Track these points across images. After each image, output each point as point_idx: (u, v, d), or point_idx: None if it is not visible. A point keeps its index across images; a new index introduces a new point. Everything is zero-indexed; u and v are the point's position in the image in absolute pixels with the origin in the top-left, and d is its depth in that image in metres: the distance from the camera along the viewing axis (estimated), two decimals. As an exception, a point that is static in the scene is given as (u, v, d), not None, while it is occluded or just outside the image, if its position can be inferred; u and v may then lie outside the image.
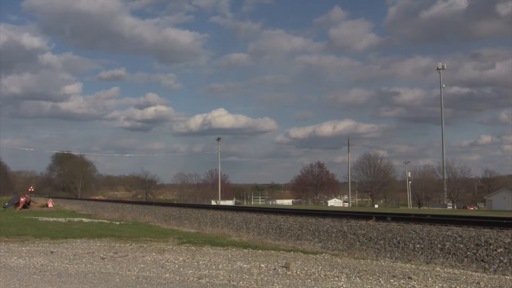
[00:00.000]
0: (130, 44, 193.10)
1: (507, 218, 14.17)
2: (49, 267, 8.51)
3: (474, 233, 11.59)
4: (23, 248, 11.24)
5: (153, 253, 10.28)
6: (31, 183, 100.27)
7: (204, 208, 28.70)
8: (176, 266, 8.60)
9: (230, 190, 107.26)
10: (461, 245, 11.12)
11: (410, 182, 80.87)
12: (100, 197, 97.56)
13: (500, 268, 9.65)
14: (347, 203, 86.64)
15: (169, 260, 9.19)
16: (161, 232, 16.30)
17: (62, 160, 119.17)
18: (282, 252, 10.80)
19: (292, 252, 10.87)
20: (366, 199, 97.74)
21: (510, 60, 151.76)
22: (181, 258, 9.46)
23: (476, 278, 7.70)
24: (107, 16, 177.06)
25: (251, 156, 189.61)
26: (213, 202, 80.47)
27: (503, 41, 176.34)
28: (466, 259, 10.57)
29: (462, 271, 8.70)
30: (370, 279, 7.33)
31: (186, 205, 38.38)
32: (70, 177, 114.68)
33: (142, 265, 8.67)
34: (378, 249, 12.64)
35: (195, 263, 8.86)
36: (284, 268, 8.25)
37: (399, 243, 12.49)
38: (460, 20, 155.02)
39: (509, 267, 9.61)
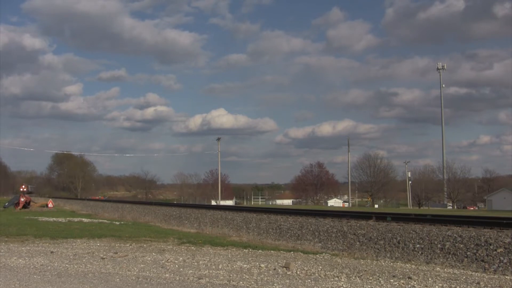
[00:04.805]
0: (130, 45, 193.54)
1: (507, 218, 14.17)
2: (49, 267, 8.51)
3: (474, 233, 11.58)
4: (23, 248, 11.24)
5: (153, 253, 10.28)
6: (24, 182, 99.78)
7: (204, 208, 28.69)
8: (176, 266, 8.59)
9: (230, 190, 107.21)
10: (461, 245, 11.12)
11: (410, 182, 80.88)
12: (100, 197, 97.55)
13: (500, 268, 9.65)
14: (347, 203, 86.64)
15: (169, 260, 9.18)
16: (161, 232, 16.29)
17: (62, 160, 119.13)
18: (282, 252, 10.80)
19: (292, 252, 10.86)
20: (366, 199, 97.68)
21: (507, 60, 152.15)
22: (181, 258, 9.45)
23: (476, 278, 7.70)
24: (107, 17, 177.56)
25: (251, 156, 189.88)
26: (213, 202, 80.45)
27: (500, 42, 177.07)
28: (466, 259, 10.57)
29: (462, 271, 8.70)
30: (370, 279, 7.33)
31: (186, 205, 38.36)
32: (70, 177, 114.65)
33: (142, 265, 8.67)
34: (378, 249, 12.63)
35: (195, 263, 8.86)
36: (284, 268, 8.24)
37: (399, 243, 12.48)
38: (458, 21, 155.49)
39: (509, 267, 9.61)
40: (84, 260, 9.34)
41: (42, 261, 9.16)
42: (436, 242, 11.71)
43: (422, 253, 11.58)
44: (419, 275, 7.71)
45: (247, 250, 11.09)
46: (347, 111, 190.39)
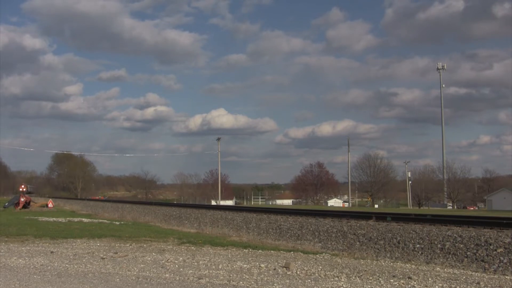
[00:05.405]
0: (130, 45, 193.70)
1: (507, 218, 14.16)
2: (49, 267, 8.51)
3: (474, 233, 11.59)
4: (23, 248, 11.24)
5: (153, 253, 10.28)
6: (24, 182, 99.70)
7: (204, 208, 28.69)
8: (176, 266, 8.60)
9: (230, 190, 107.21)
10: (461, 245, 11.12)
11: (410, 182, 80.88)
12: (100, 197, 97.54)
13: (500, 268, 9.65)
14: (347, 203, 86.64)
15: (169, 260, 9.19)
16: (161, 232, 16.29)
17: (62, 160, 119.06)
18: (282, 252, 10.80)
19: (292, 252, 10.86)
20: (366, 199, 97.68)
21: (507, 60, 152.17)
22: (181, 258, 9.46)
23: (476, 278, 7.70)
24: (107, 17, 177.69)
25: (251, 156, 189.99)
26: (213, 202, 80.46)
27: (500, 42, 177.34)
28: (466, 259, 10.57)
29: (462, 271, 8.70)
30: (370, 279, 7.33)
31: (186, 205, 38.36)
32: (70, 177, 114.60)
33: (142, 265, 8.67)
34: (378, 249, 12.64)
35: (195, 263, 8.86)
36: (284, 268, 8.25)
37: (399, 243, 12.49)
38: (457, 21, 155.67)
39: (509, 267, 9.61)
40: (84, 260, 9.34)
41: (42, 261, 9.16)
42: (436, 242, 11.71)
43: (422, 253, 11.58)
44: (419, 275, 7.71)
45: (247, 250, 11.10)
46: (347, 111, 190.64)
